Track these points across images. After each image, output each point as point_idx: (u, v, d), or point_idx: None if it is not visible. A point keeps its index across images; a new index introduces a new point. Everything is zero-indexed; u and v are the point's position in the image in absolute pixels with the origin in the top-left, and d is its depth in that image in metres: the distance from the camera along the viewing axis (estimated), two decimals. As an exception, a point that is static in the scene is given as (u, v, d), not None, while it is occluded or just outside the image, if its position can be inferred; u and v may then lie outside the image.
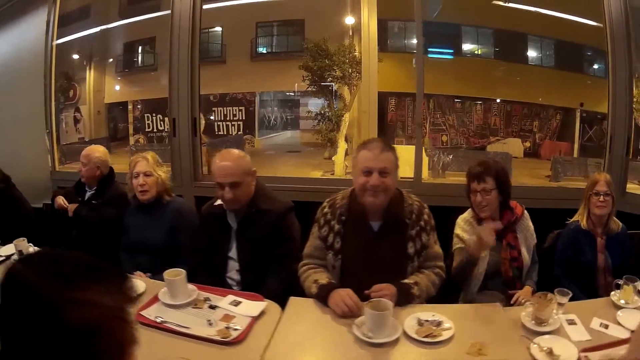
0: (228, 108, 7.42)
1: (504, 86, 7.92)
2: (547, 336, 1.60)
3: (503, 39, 8.01)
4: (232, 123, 7.40)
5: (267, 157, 7.45)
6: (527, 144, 7.98)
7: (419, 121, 3.89)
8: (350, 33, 7.04)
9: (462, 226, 2.41)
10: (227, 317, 1.80)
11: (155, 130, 7.69)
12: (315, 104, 6.96)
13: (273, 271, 2.28)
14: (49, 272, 0.76)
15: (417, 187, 3.54)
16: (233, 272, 2.39)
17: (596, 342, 1.58)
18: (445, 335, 1.59)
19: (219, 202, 2.37)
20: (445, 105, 7.58)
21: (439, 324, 1.66)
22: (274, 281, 2.25)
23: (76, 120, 7.47)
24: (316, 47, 6.37)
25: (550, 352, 1.49)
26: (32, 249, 2.59)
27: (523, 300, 2.08)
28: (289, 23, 7.53)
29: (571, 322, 1.71)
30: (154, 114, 7.65)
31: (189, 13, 3.72)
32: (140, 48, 8.11)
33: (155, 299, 1.95)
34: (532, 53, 8.24)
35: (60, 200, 3.38)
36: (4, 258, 2.60)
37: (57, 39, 4.77)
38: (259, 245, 2.29)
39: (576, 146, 8.16)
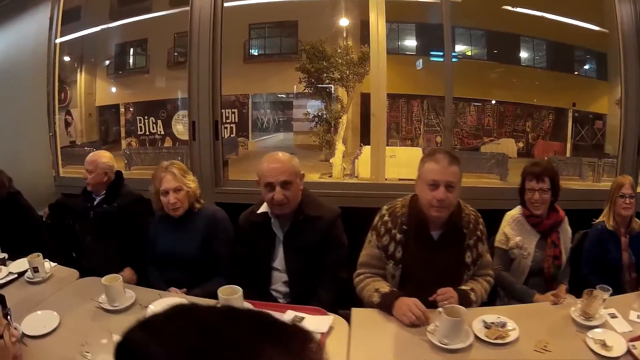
0: (221, 110, 7.36)
1: (497, 87, 7.96)
2: (597, 330, 1.71)
3: (495, 40, 8.03)
4: (225, 125, 7.35)
5: (259, 159, 7.41)
6: (521, 144, 8.03)
7: (449, 125, 3.79)
8: (345, 35, 7.03)
9: (511, 224, 2.47)
10: None
11: (147, 133, 7.64)
12: (311, 106, 6.94)
13: (324, 281, 2.20)
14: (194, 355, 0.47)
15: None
16: (279, 284, 2.28)
17: (637, 332, 1.71)
18: (513, 335, 1.65)
19: (262, 209, 2.26)
20: (439, 106, 7.58)
21: (503, 325, 1.71)
22: (326, 292, 2.17)
23: (67, 124, 7.37)
24: (313, 49, 6.35)
25: (604, 344, 1.61)
26: (48, 264, 2.44)
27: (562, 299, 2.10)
28: (282, 25, 7.50)
29: (613, 316, 1.83)
30: (146, 117, 7.59)
31: (210, 9, 3.52)
32: (131, 50, 8.04)
33: None
34: (524, 54, 8.28)
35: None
36: (15, 275, 2.42)
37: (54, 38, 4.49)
38: (309, 254, 2.19)
39: (569, 146, 8.22)
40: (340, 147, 6.25)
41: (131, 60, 8.13)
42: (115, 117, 8.10)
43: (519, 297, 2.33)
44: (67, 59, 7.76)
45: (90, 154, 3.11)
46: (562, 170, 7.11)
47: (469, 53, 8.15)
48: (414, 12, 7.11)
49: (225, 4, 3.65)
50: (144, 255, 2.66)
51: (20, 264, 2.54)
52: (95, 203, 3.07)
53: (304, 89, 6.67)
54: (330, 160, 6.32)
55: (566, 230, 2.51)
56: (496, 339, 1.63)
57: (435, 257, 1.98)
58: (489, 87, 7.95)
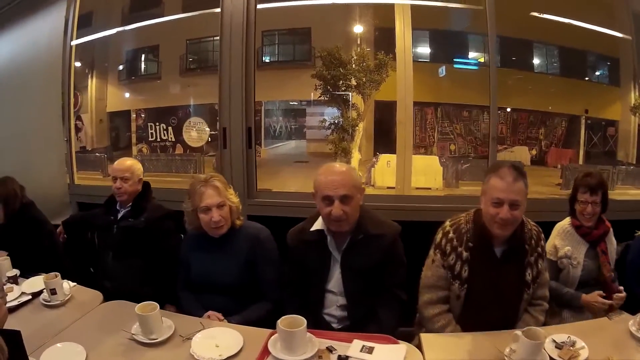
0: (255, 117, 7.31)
1: (510, 94, 7.90)
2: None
3: (508, 46, 7.98)
4: (238, 133, 7.30)
5: (274, 167, 7.34)
6: (534, 152, 7.97)
7: (494, 135, 3.73)
8: (359, 41, 6.99)
9: (561, 235, 2.47)
10: None
11: (158, 139, 7.58)
12: (326, 114, 6.89)
13: (385, 304, 2.07)
14: None
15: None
16: (333, 307, 2.13)
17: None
18: (583, 354, 1.62)
19: (315, 226, 2.11)
20: (453, 114, 7.53)
21: (573, 344, 1.68)
22: (387, 315, 2.04)
23: (77, 129, 7.33)
24: (330, 56, 6.29)
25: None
26: (67, 284, 2.22)
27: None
28: (295, 32, 7.44)
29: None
30: (157, 123, 7.53)
31: (243, 11, 3.44)
32: (143, 56, 8.00)
33: (265, 353, 1.66)
34: (536, 61, 8.24)
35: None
36: (29, 297, 2.23)
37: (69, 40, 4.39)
38: (368, 275, 2.05)
39: (581, 153, 8.17)
40: (356, 155, 6.20)
41: (142, 67, 8.10)
42: (126, 123, 8.06)
43: (567, 302, 2.35)
44: (78, 64, 7.76)
45: (121, 160, 2.87)
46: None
47: (481, 60, 8.11)
48: (426, 18, 7.08)
49: (259, 6, 3.52)
50: (173, 278, 2.46)
51: (34, 283, 2.31)
52: (119, 216, 2.85)
53: (320, 96, 6.61)
54: (346, 169, 6.26)
55: (612, 241, 2.53)
56: (570, 359, 1.60)
57: (498, 274, 1.92)
58: (503, 95, 7.88)
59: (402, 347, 1.68)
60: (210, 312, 2.09)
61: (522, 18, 7.13)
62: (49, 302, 2.18)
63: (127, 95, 8.05)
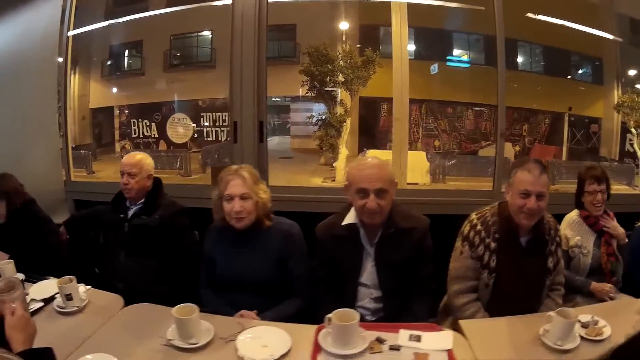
0: (217, 114, 7.26)
1: (495, 91, 7.96)
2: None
3: (492, 45, 8.04)
4: (222, 129, 7.25)
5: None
6: (517, 148, 8.06)
7: (503, 132, 3.69)
8: (344, 38, 6.99)
9: (571, 226, 2.57)
10: (422, 357, 1.56)
11: (142, 136, 7.51)
12: (312, 110, 6.89)
13: (418, 296, 2.08)
14: None
15: (497, 196, 3.38)
16: (366, 300, 2.10)
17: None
18: (607, 331, 1.70)
19: (347, 220, 2.08)
20: (437, 110, 7.58)
21: (596, 322, 1.75)
22: (421, 306, 2.05)
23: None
24: (317, 52, 6.29)
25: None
26: (83, 288, 2.05)
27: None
28: (280, 28, 7.43)
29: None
30: (140, 119, 7.46)
31: (255, 4, 3.31)
32: (126, 52, 7.93)
33: (317, 349, 1.61)
34: (521, 59, 8.32)
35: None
36: (41, 304, 2.01)
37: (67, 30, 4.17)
38: (401, 268, 2.05)
39: (564, 149, 8.28)
40: (343, 151, 6.22)
41: (126, 62, 8.03)
42: (109, 120, 7.98)
43: (578, 289, 2.46)
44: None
45: (131, 155, 2.70)
46: (561, 174, 7.15)
47: (465, 57, 8.17)
48: (418, 17, 7.11)
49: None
50: (190, 276, 2.34)
51: (44, 288, 2.11)
52: (130, 214, 2.68)
53: (307, 92, 6.61)
54: (334, 165, 6.27)
55: (616, 227, 2.62)
56: (596, 336, 1.68)
57: (524, 263, 2.01)
58: (486, 92, 7.96)
59: (449, 332, 1.71)
60: (243, 311, 2.00)
61: (507, 17, 7.21)
62: (64, 308, 1.96)
63: (110, 91, 7.98)
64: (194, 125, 6.92)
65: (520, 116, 8.08)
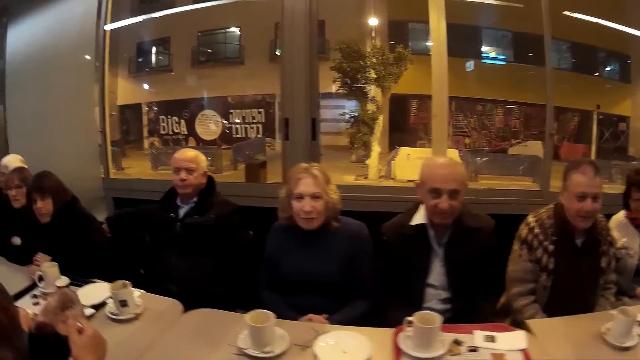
0: (247, 110, 7.26)
1: (523, 89, 7.91)
2: None
3: (521, 42, 7.99)
4: (251, 126, 7.25)
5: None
6: (547, 146, 7.94)
7: (551, 131, 3.63)
8: (373, 34, 6.96)
9: (618, 227, 2.47)
10: (499, 357, 1.55)
11: (171, 132, 7.53)
12: (343, 107, 6.87)
13: (484, 295, 2.06)
14: None
15: (545, 196, 3.31)
16: (434, 301, 2.06)
17: None
18: None
19: (416, 220, 2.05)
20: (467, 107, 7.52)
21: None
22: (487, 305, 2.05)
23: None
24: (349, 48, 6.26)
25: None
26: (138, 293, 1.92)
27: None
28: (309, 24, 7.40)
29: None
30: (169, 116, 7.48)
31: None
32: (154, 49, 7.95)
33: (399, 354, 1.57)
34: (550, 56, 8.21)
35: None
36: (93, 311, 1.87)
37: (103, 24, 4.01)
38: (468, 268, 2.03)
39: (593, 148, 8.20)
40: (376, 148, 6.19)
41: (154, 59, 8.04)
42: (137, 117, 8.00)
43: (623, 292, 2.37)
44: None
45: (185, 150, 2.60)
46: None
47: (493, 54, 8.11)
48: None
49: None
50: (246, 277, 2.29)
51: (91, 293, 1.98)
52: (182, 213, 2.57)
53: (338, 89, 6.58)
54: (366, 162, 6.25)
55: None
56: None
57: (579, 264, 2.00)
58: (516, 89, 7.91)
59: (522, 332, 1.67)
60: (312, 315, 1.95)
61: (536, 13, 7.14)
62: (118, 315, 1.83)
63: (138, 88, 8.00)
64: (226, 122, 6.95)
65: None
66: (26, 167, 3.01)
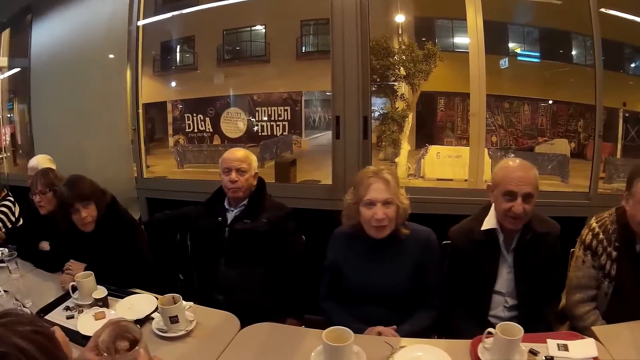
0: (273, 108, 7.24)
1: (550, 86, 7.83)
2: None
3: (547, 38, 7.90)
4: (277, 123, 7.23)
5: (316, 158, 7.27)
6: (573, 145, 7.89)
7: (600, 132, 3.63)
8: (400, 31, 6.91)
9: None
10: None
11: (196, 130, 7.54)
12: (377, 104, 6.84)
13: (549, 302, 2.09)
14: None
15: (594, 198, 3.25)
16: (499, 309, 2.07)
17: None
18: None
19: (487, 225, 2.03)
20: (494, 105, 7.45)
21: None
22: (552, 312, 2.07)
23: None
24: (378, 45, 6.22)
25: None
26: (190, 308, 1.77)
27: None
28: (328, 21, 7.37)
29: None
30: (194, 114, 7.49)
31: None
32: (178, 47, 7.96)
33: None
34: (575, 52, 8.13)
35: None
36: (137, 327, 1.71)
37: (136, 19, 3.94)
38: (536, 274, 2.04)
39: (619, 146, 8.08)
40: (405, 146, 6.17)
41: (178, 57, 8.05)
42: (161, 115, 8.02)
43: None
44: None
45: (234, 150, 2.48)
46: (619, 172, 6.99)
47: (518, 50, 8.02)
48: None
49: None
50: (302, 287, 2.24)
51: (134, 306, 1.86)
52: (230, 217, 2.44)
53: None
54: (395, 160, 6.23)
55: None
56: None
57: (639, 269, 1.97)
58: (542, 86, 7.82)
59: (591, 340, 1.68)
60: (380, 328, 1.92)
61: (562, 8, 7.06)
62: (168, 332, 1.68)
63: (162, 86, 8.01)
64: (254, 119, 6.93)
65: (576, 111, 7.90)
66: (54, 168, 2.95)
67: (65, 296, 2.04)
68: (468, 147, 7.28)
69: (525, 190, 1.94)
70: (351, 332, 1.56)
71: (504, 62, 7.06)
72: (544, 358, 1.59)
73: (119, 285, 2.08)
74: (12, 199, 3.38)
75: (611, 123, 8.29)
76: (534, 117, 7.65)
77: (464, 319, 1.91)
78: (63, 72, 3.85)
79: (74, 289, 2.03)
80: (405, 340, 1.75)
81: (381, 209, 1.94)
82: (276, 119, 7.19)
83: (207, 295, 2.29)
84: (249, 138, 7.19)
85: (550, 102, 7.68)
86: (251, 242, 2.36)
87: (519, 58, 7.03)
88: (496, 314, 2.09)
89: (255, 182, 2.49)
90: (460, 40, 7.73)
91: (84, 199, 2.31)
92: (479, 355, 1.58)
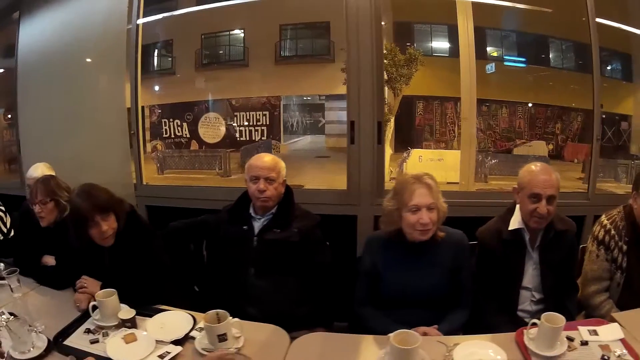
0: (251, 113, 7.22)
1: (528, 89, 7.93)
2: None
3: (524, 42, 8.01)
4: (256, 128, 7.21)
5: (296, 163, 7.26)
6: (550, 146, 8.01)
7: (599, 135, 3.60)
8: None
9: None
10: (605, 347, 1.67)
11: (173, 135, 7.48)
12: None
13: (569, 294, 2.18)
14: None
15: (592, 198, 3.30)
16: (526, 303, 2.15)
17: None
18: None
19: (514, 225, 2.11)
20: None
21: None
22: (574, 304, 2.14)
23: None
24: (360, 50, 6.24)
25: None
26: (235, 323, 1.60)
27: None
28: (313, 25, 7.37)
29: None
30: (171, 119, 7.43)
31: None
32: (156, 51, 7.88)
33: (529, 356, 1.62)
34: (552, 56, 8.26)
35: None
36: (179, 349, 1.55)
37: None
38: (558, 269, 2.13)
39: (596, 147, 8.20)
40: (387, 150, 6.15)
41: (156, 62, 7.97)
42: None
43: None
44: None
45: (261, 156, 2.31)
46: (598, 172, 7.08)
47: (494, 54, 8.12)
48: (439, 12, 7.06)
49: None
50: (331, 293, 2.20)
51: (166, 325, 1.69)
52: (258, 226, 2.31)
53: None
54: (378, 163, 6.24)
55: None
56: None
57: None
58: (520, 90, 7.92)
59: (616, 325, 1.77)
60: (424, 328, 1.89)
61: (538, 13, 7.16)
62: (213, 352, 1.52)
63: (141, 90, 7.94)
64: (235, 124, 6.91)
65: (553, 114, 8.02)
66: (54, 175, 2.74)
67: (83, 317, 1.81)
68: (449, 150, 7.37)
69: (549, 193, 2.01)
70: (417, 334, 1.53)
71: (491, 67, 7.15)
72: (580, 342, 1.69)
73: (141, 303, 1.89)
74: (2, 208, 3.15)
75: (588, 124, 8.45)
76: (512, 120, 7.74)
77: (496, 315, 1.96)
78: (54, 73, 3.57)
79: (94, 308, 1.80)
80: (455, 338, 1.73)
81: (426, 214, 1.95)
82: (255, 123, 7.18)
83: (236, 307, 2.13)
84: (228, 143, 7.15)
85: (530, 105, 7.79)
86: (283, 252, 2.25)
87: (506, 64, 7.10)
88: (524, 308, 2.18)
89: (283, 190, 2.32)
90: (438, 45, 7.80)
91: (103, 210, 2.04)
92: (527, 344, 1.65)
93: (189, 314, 1.79)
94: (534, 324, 1.65)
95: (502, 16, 7.17)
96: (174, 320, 1.74)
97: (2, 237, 3.06)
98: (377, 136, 3.10)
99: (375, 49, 3.06)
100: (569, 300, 2.17)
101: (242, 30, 7.44)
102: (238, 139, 7.24)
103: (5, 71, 5.00)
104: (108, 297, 1.75)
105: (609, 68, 8.56)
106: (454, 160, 6.00)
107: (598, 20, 6.68)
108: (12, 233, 3.11)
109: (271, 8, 6.97)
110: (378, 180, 3.11)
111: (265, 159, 2.27)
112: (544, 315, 1.63)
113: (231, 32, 7.53)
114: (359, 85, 3.07)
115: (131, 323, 1.70)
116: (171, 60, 7.73)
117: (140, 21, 3.64)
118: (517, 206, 2.12)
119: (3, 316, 1.70)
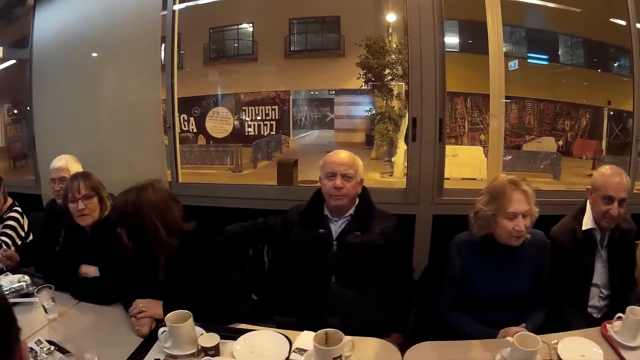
0: (260, 107, 7.17)
1: (537, 85, 7.90)
2: None
3: (533, 37, 7.97)
4: (265, 123, 7.16)
5: (306, 158, 7.20)
6: (560, 143, 7.98)
7: (638, 136, 3.58)
8: (390, 30, 6.89)
9: None
10: None
11: (180, 130, 7.40)
12: (362, 103, 6.82)
13: (631, 289, 2.25)
14: None
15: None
16: (595, 299, 2.24)
17: None
18: None
19: (587, 225, 2.18)
20: (482, 104, 7.48)
21: None
22: (635, 297, 2.19)
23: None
24: (375, 44, 6.19)
25: None
26: (349, 344, 1.47)
27: None
28: (323, 20, 7.33)
29: None
30: (178, 114, 7.37)
31: None
32: (163, 45, 7.81)
33: (617, 348, 1.70)
34: (561, 52, 8.23)
35: None
36: None
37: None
38: (623, 266, 2.23)
39: (604, 144, 8.21)
40: (402, 145, 6.12)
41: (163, 56, 7.89)
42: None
43: None
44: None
45: (337, 153, 2.15)
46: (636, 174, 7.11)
47: (504, 49, 8.07)
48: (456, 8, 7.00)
49: None
50: (410, 298, 2.17)
51: (257, 349, 1.49)
52: (336, 229, 2.14)
53: (362, 85, 6.51)
54: (393, 159, 6.23)
55: None
56: None
57: None
58: (530, 86, 7.89)
59: None
60: (512, 328, 1.85)
61: (543, 9, 7.12)
62: None
63: (147, 85, 7.89)
64: (248, 119, 6.86)
65: (562, 110, 7.99)
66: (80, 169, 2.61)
67: (146, 345, 1.56)
68: (463, 146, 7.34)
69: (621, 196, 2.14)
70: (536, 337, 1.56)
71: (514, 64, 7.10)
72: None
73: (210, 323, 1.66)
74: (19, 209, 2.96)
75: (597, 121, 8.43)
76: (522, 116, 7.71)
77: (571, 312, 2.09)
78: (75, 64, 3.35)
79: (163, 334, 1.55)
80: (553, 336, 1.74)
81: (522, 221, 1.94)
82: (264, 118, 7.13)
83: (315, 318, 2.01)
84: (236, 138, 7.09)
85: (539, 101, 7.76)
86: (366, 257, 2.12)
87: (529, 61, 7.06)
88: (593, 304, 2.29)
89: (360, 189, 2.20)
90: (447, 39, 7.74)
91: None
92: (613, 336, 1.75)
93: (280, 333, 1.61)
94: (619, 318, 1.73)
95: (525, 14, 7.14)
96: (263, 342, 1.55)
97: (20, 242, 2.84)
98: (438, 133, 3.02)
99: (438, 46, 2.99)
100: (631, 295, 2.23)
101: (251, 24, 7.38)
102: (247, 133, 7.20)
103: (16, 63, 4.88)
104: (183, 322, 1.49)
105: (616, 64, 8.56)
106: (467, 156, 5.99)
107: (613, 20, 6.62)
108: (30, 237, 2.93)
109: (280, 2, 6.92)
110: (438, 178, 3.05)
111: (342, 154, 2.13)
112: (629, 308, 1.71)
113: (240, 26, 7.46)
114: (421, 82, 2.99)
115: (214, 350, 1.48)
116: (179, 54, 7.65)
117: (177, 7, 3.49)
118: (588, 206, 2.21)
119: (41, 346, 1.43)
